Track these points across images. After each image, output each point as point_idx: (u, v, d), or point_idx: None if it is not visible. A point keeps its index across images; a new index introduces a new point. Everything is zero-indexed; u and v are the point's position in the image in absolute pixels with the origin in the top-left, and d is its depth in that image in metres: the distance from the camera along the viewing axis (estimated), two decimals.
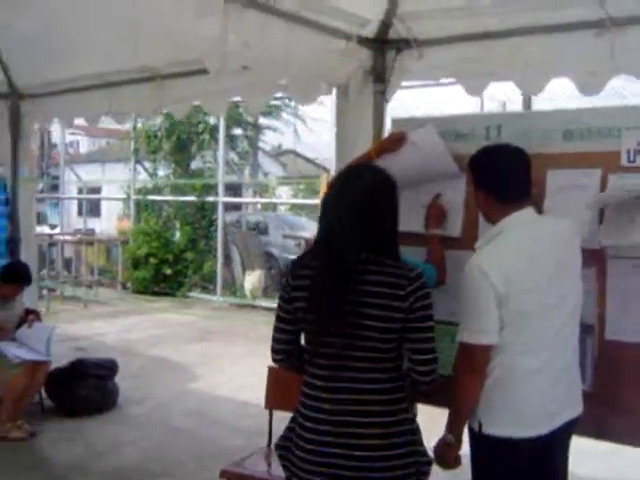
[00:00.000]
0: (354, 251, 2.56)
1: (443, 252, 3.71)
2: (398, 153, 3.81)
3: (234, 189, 20.34)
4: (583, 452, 4.10)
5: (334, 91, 4.76)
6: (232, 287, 15.41)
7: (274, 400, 4.51)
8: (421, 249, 3.74)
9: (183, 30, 3.71)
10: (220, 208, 15.16)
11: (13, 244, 7.16)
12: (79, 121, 8.05)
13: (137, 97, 5.80)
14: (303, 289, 2.65)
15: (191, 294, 15.40)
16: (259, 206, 21.51)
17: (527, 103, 15.30)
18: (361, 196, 2.62)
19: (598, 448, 3.83)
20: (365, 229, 2.58)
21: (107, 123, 7.96)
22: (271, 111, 22.03)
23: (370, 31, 4.43)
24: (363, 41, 4.40)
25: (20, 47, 6.12)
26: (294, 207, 21.85)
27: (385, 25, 4.41)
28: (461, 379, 2.84)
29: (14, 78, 6.80)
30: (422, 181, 3.86)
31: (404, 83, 4.82)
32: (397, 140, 3.87)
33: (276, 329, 2.80)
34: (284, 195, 24.17)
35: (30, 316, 6.65)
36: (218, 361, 9.54)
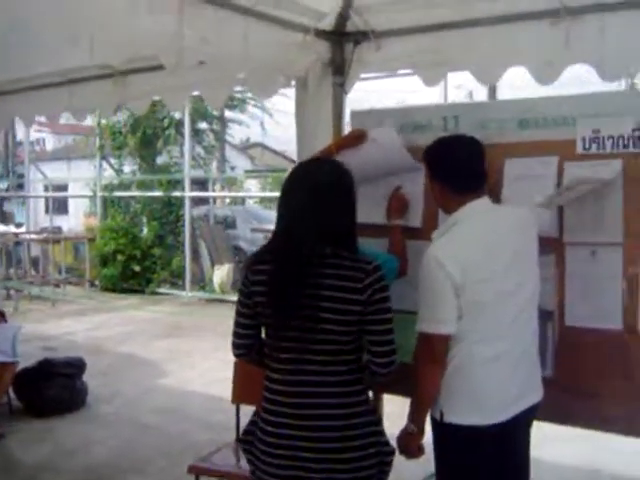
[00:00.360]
0: (311, 244, 2.57)
1: (405, 243, 3.72)
2: (358, 149, 3.82)
3: (201, 183, 20.28)
4: (548, 437, 4.17)
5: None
6: (201, 282, 15.36)
7: (241, 394, 4.52)
8: (382, 240, 3.75)
9: (139, 26, 3.68)
10: (187, 203, 15.08)
11: None
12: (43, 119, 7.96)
13: (97, 94, 5.76)
14: (262, 283, 2.66)
15: (160, 290, 15.32)
16: (227, 200, 21.47)
17: (492, 92, 15.41)
18: (318, 189, 2.64)
19: (563, 433, 3.87)
20: (322, 222, 2.59)
21: (73, 120, 7.88)
22: (237, 104, 21.98)
23: (328, 24, 4.43)
24: (321, 34, 4.40)
25: None
26: (263, 200, 21.83)
27: (342, 18, 4.41)
28: (421, 369, 2.87)
29: None
30: (381, 176, 3.88)
31: (365, 75, 4.84)
32: (357, 137, 3.87)
33: (236, 323, 2.81)
34: (252, 188, 24.14)
35: None
36: (187, 356, 9.52)
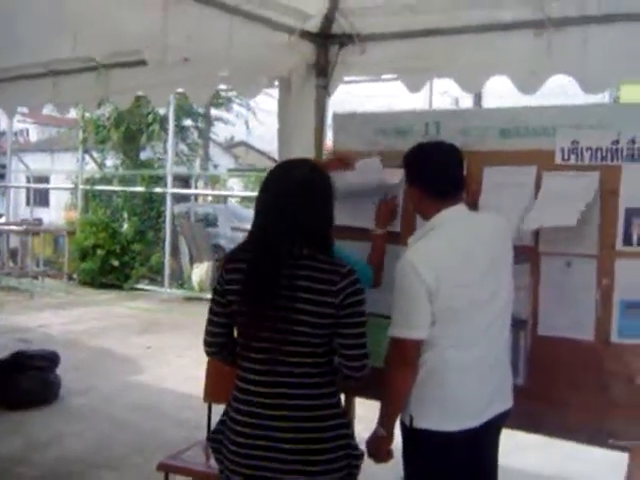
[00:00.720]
0: (287, 245, 2.57)
1: (384, 253, 3.71)
2: (342, 173, 3.81)
3: (184, 181, 20.22)
4: (518, 445, 4.18)
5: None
6: (180, 279, 15.32)
7: (213, 393, 4.50)
8: (363, 244, 3.76)
9: (123, 21, 3.67)
10: (168, 199, 15.02)
11: None
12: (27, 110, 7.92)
13: (81, 87, 5.74)
14: (236, 282, 2.66)
15: (138, 286, 15.25)
16: (210, 198, 21.42)
17: (477, 100, 15.48)
18: (295, 190, 2.64)
19: (533, 441, 3.89)
20: (298, 223, 2.59)
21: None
22: (222, 103, 21.94)
23: (313, 25, 4.44)
24: (306, 35, 4.41)
25: None
26: (245, 199, 21.79)
27: (328, 20, 4.42)
28: (392, 373, 2.87)
29: None
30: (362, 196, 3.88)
31: (349, 78, 4.85)
32: (344, 164, 3.87)
33: (209, 322, 2.81)
34: (235, 187, 24.10)
35: None
36: (163, 353, 9.49)
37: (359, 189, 3.80)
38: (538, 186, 3.50)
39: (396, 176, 3.72)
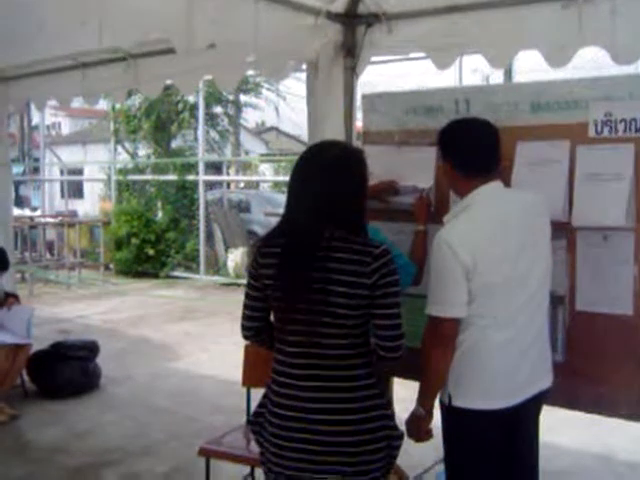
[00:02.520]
0: (318, 228, 2.56)
1: (426, 250, 3.65)
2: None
3: (216, 167, 20.29)
4: (562, 421, 4.15)
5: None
6: (215, 266, 15.39)
7: (251, 377, 4.52)
8: (397, 225, 3.76)
9: (149, 9, 3.68)
10: (201, 187, 15.10)
11: None
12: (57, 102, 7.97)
13: (109, 78, 5.78)
14: (270, 267, 2.66)
15: (174, 274, 15.36)
16: (242, 184, 21.47)
17: (508, 76, 15.33)
18: (326, 171, 2.62)
19: (578, 417, 3.85)
20: (329, 205, 2.58)
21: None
22: (251, 88, 21.94)
23: (339, 6, 4.41)
24: (332, 16, 4.39)
25: None
26: (277, 184, 21.81)
27: (354, 0, 4.39)
28: (430, 352, 2.86)
29: None
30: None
31: (378, 58, 4.81)
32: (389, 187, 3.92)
33: (245, 306, 2.81)
34: (266, 172, 24.12)
35: (9, 299, 6.64)
36: (201, 340, 9.55)
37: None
38: (572, 160, 3.46)
39: (430, 178, 3.75)
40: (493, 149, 3.00)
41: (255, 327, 2.82)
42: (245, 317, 2.82)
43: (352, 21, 4.46)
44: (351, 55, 4.48)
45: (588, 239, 3.46)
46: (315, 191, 2.60)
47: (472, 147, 2.99)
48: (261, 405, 2.82)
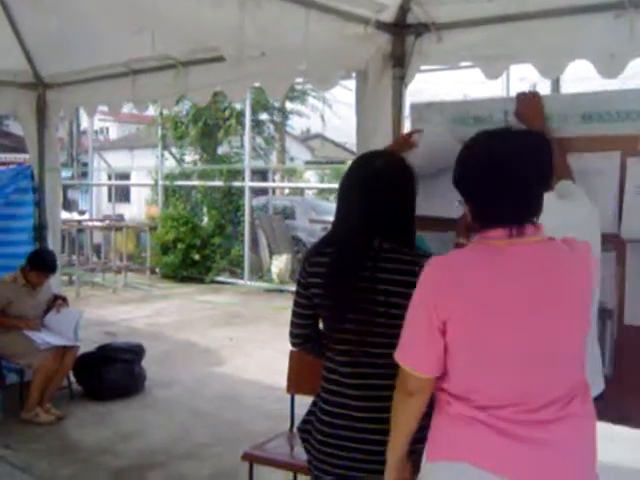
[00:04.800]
0: (366, 239, 2.58)
1: None
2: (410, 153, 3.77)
3: (261, 174, 20.39)
4: (610, 437, 4.07)
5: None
6: (259, 272, 15.47)
7: (296, 384, 4.55)
8: (446, 235, 3.73)
9: (201, 18, 3.72)
10: (247, 193, 15.22)
11: (40, 231, 7.25)
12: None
13: (159, 84, 5.84)
14: (319, 276, 2.68)
15: (219, 279, 15.48)
16: (287, 191, 21.55)
17: (556, 85, 15.17)
18: (375, 181, 2.64)
19: (626, 434, 3.79)
20: (377, 216, 2.59)
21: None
22: (297, 96, 22.02)
23: (388, 15, 4.40)
24: (381, 26, 4.38)
25: (44, 38, 6.19)
26: (322, 191, 21.86)
27: (403, 9, 4.38)
28: None
29: (39, 68, 6.89)
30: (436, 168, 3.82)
31: (425, 67, 4.80)
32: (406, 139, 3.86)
33: (294, 314, 2.83)
34: (311, 179, 24.19)
35: (58, 301, 6.76)
36: (245, 345, 9.61)
37: (429, 161, 3.75)
38: (622, 172, 3.42)
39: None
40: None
41: (303, 335, 2.84)
42: (294, 325, 2.84)
43: (401, 31, 4.45)
44: (400, 65, 4.47)
45: (638, 252, 3.42)
46: (364, 201, 2.62)
47: None
48: (310, 413, 2.83)
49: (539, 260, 2.15)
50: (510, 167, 2.17)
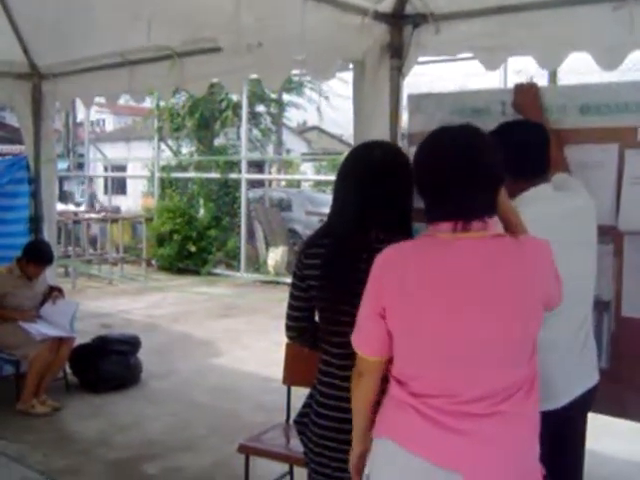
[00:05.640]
0: (362, 230, 2.56)
1: None
2: None
3: (258, 166, 20.37)
4: (608, 429, 4.09)
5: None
6: (255, 264, 15.46)
7: (292, 376, 4.54)
8: None
9: (197, 8, 3.71)
10: (243, 185, 15.19)
11: (36, 223, 7.23)
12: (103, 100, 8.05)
13: (156, 75, 5.80)
14: (315, 267, 2.66)
15: (215, 271, 15.47)
16: (283, 183, 21.54)
17: (553, 77, 15.13)
18: (368, 174, 2.62)
19: (624, 426, 3.79)
20: (374, 207, 2.58)
21: (132, 101, 7.97)
22: (294, 88, 21.98)
23: (386, 6, 4.38)
24: (379, 16, 4.36)
25: (39, 28, 6.15)
26: (318, 184, 21.84)
27: (401, 0, 4.37)
28: None
29: (35, 59, 6.84)
30: None
31: (423, 58, 4.78)
32: None
33: (290, 306, 2.82)
34: (308, 171, 24.18)
35: (54, 293, 6.75)
36: (241, 337, 9.61)
37: None
38: (620, 164, 3.41)
39: None
40: (542, 152, 2.98)
41: (299, 327, 2.82)
42: (289, 317, 2.83)
43: (399, 21, 4.43)
44: (398, 55, 4.44)
45: (635, 243, 3.41)
46: (360, 193, 2.60)
47: (522, 150, 2.95)
48: (306, 405, 2.82)
49: (481, 256, 2.17)
50: (456, 165, 2.19)
